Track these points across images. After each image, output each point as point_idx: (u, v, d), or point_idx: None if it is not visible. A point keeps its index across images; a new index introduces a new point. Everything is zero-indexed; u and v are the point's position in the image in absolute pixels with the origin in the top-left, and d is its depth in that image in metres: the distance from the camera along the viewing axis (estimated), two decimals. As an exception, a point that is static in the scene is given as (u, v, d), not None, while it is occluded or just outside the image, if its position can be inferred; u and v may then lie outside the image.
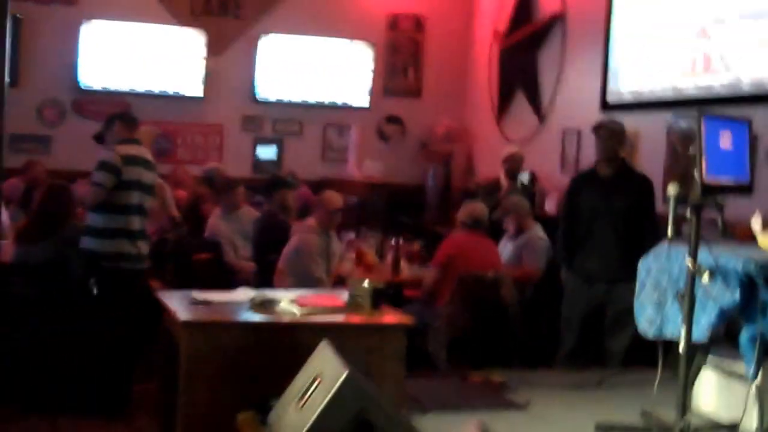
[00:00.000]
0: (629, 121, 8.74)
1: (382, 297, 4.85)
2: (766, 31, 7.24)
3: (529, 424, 4.58)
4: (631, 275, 5.65)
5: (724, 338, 4.65)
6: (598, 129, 6.16)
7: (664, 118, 7.91)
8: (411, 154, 11.64)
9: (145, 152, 6.21)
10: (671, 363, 4.26)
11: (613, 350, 5.91)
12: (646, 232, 5.80)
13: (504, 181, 8.83)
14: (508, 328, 6.46)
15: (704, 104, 7.44)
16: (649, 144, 8.20)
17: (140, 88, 10.52)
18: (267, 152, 11.17)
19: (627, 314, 5.69)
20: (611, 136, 6.07)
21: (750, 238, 4.90)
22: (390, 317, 4.73)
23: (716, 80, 7.78)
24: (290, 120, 11.26)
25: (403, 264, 7.36)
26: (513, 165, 8.81)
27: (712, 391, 4.83)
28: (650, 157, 8.09)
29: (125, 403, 5.77)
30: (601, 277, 5.93)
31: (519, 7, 10.74)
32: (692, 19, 8.13)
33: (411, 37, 11.76)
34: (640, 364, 4.88)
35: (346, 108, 11.44)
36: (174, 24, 10.62)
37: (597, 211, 5.99)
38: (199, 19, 10.72)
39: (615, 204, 5.95)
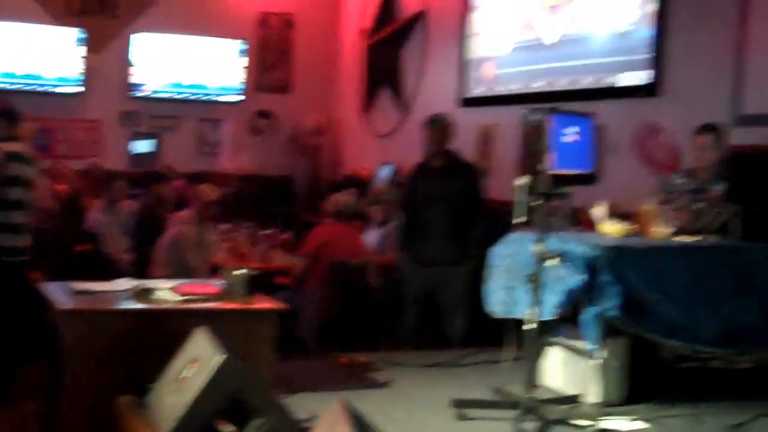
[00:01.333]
0: (485, 115, 9.05)
1: (255, 284, 4.91)
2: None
3: (390, 401, 4.69)
4: (462, 258, 5.95)
5: (570, 318, 4.79)
6: (427, 124, 6.37)
7: (518, 112, 8.11)
8: (282, 147, 11.67)
9: (25, 148, 6.13)
10: (521, 342, 4.43)
11: (451, 329, 6.13)
12: (474, 216, 6.12)
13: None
14: (374, 312, 6.59)
15: (554, 99, 7.71)
16: (505, 137, 8.45)
17: (20, 85, 10.29)
18: (144, 146, 11.08)
19: (460, 295, 5.97)
20: (439, 130, 6.30)
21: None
22: (262, 303, 4.78)
23: (565, 76, 8.10)
24: (166, 115, 11.17)
25: (275, 253, 7.43)
26: None
27: (558, 367, 5.00)
28: (506, 149, 8.35)
29: (9, 390, 5.68)
30: (436, 261, 6.16)
31: (383, 5, 10.89)
32: (543, 18, 8.44)
33: (281, 34, 11.79)
34: (493, 344, 5.04)
35: (219, 103, 11.41)
36: (52, 23, 10.43)
37: (430, 199, 6.22)
38: (78, 17, 10.54)
39: (446, 192, 6.19)
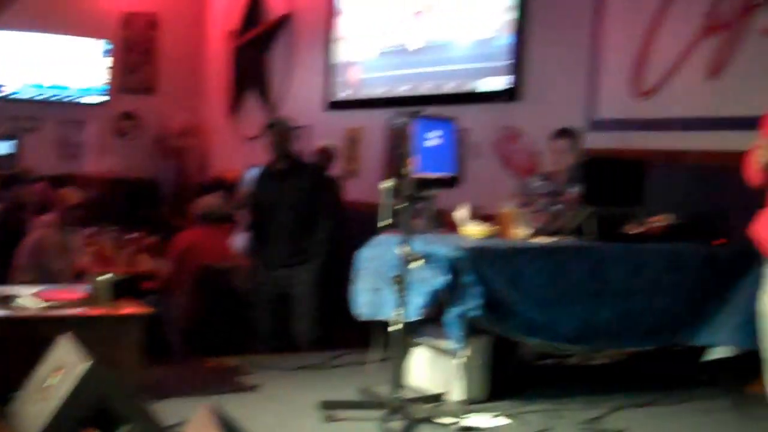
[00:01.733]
0: (352, 119, 9.11)
1: (121, 289, 4.83)
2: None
3: (259, 405, 4.66)
4: (308, 260, 5.99)
5: (434, 318, 4.83)
6: (267, 128, 6.40)
7: (383, 115, 8.18)
8: (147, 149, 11.48)
9: None
10: (387, 343, 4.46)
11: (299, 331, 6.17)
12: (319, 217, 6.16)
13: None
14: (243, 315, 6.55)
15: (419, 103, 7.82)
16: (371, 140, 8.52)
17: None
18: (3, 148, 10.71)
19: (307, 297, 6.02)
20: (280, 134, 6.33)
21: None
22: (128, 309, 4.70)
23: (429, 81, 8.22)
24: (27, 116, 10.84)
25: (141, 257, 7.31)
26: (323, 159, 8.28)
27: (423, 367, 5.04)
28: (372, 152, 8.42)
29: None
30: (283, 264, 6.19)
31: (249, 7, 10.84)
32: (407, 23, 8.54)
33: (145, 34, 11.59)
34: (360, 345, 5.08)
35: (82, 104, 11.15)
36: None
37: (275, 202, 6.24)
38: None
39: (290, 194, 6.22)
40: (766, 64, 5.52)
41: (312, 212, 6.18)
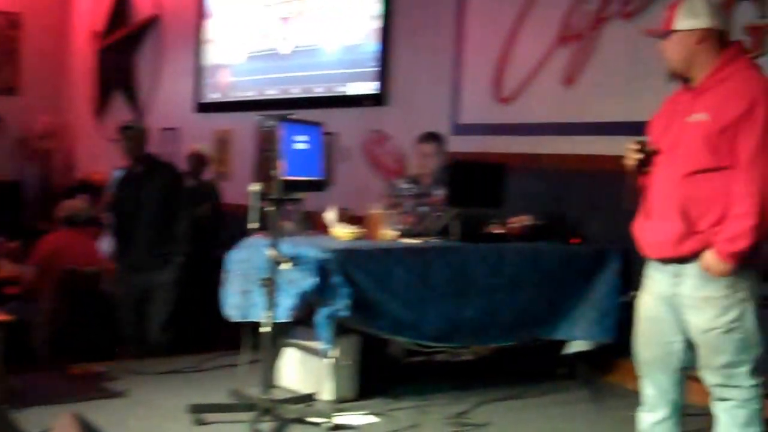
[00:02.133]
0: (221, 121, 9.06)
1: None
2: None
3: (126, 410, 4.58)
4: (167, 262, 5.98)
5: (304, 319, 4.85)
6: (121, 131, 6.36)
7: (253, 118, 8.16)
8: (9, 151, 11.14)
9: None
10: (257, 345, 4.46)
11: (155, 334, 6.15)
12: (177, 219, 6.18)
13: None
14: (110, 320, 6.44)
15: (289, 107, 7.83)
16: (241, 143, 8.49)
17: None
18: None
19: (165, 299, 6.01)
20: (134, 137, 6.31)
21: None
22: (-11, 316, 4.59)
23: (298, 85, 8.25)
24: None
25: (2, 262, 7.09)
26: (196, 163, 8.02)
27: (294, 368, 5.06)
28: (242, 154, 8.39)
29: None
30: (142, 267, 6.17)
31: (115, 8, 10.65)
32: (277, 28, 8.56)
33: (7, 34, 11.25)
34: (231, 347, 5.06)
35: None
36: None
37: (134, 205, 6.22)
38: None
39: (148, 198, 6.20)
40: (615, 73, 5.73)
41: (170, 214, 6.15)
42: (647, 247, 3.38)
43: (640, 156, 3.36)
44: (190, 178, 7.45)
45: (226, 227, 6.90)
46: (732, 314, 3.17)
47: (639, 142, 3.39)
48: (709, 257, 3.15)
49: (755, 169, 3.08)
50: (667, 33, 3.33)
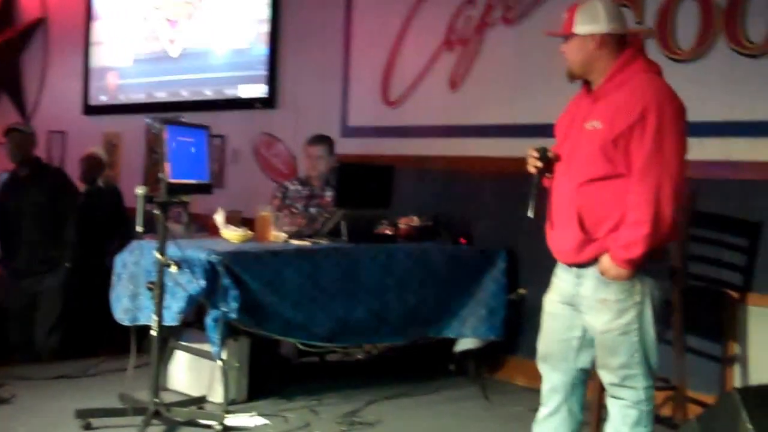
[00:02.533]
0: (110, 124, 8.93)
1: None
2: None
3: (12, 417, 4.51)
4: (55, 266, 5.91)
5: (195, 322, 4.88)
6: (7, 134, 6.25)
7: (142, 121, 8.10)
8: None
9: None
10: (147, 348, 4.44)
11: (42, 340, 6.04)
12: (65, 224, 6.09)
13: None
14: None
15: (181, 110, 7.79)
16: (131, 145, 8.39)
17: None
18: None
19: (51, 304, 5.93)
20: (21, 141, 6.21)
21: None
22: None
23: (189, 87, 8.20)
24: None
25: None
26: (91, 166, 7.45)
27: (184, 371, 5.05)
28: (132, 157, 8.29)
29: None
30: (30, 272, 6.07)
31: (0, 9, 10.39)
32: (166, 31, 8.47)
33: None
34: (121, 351, 5.00)
35: None
36: None
37: (20, 209, 6.12)
38: None
39: (33, 202, 6.11)
40: (499, 77, 5.84)
41: (56, 218, 6.06)
42: (554, 253, 3.38)
43: (540, 164, 3.35)
44: (85, 182, 7.30)
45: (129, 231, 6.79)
46: (628, 317, 3.19)
47: (539, 149, 3.38)
48: (606, 262, 3.17)
49: (648, 177, 3.08)
50: (566, 36, 3.32)
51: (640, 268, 3.14)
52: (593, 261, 3.23)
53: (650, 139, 3.09)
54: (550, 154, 3.37)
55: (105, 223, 6.68)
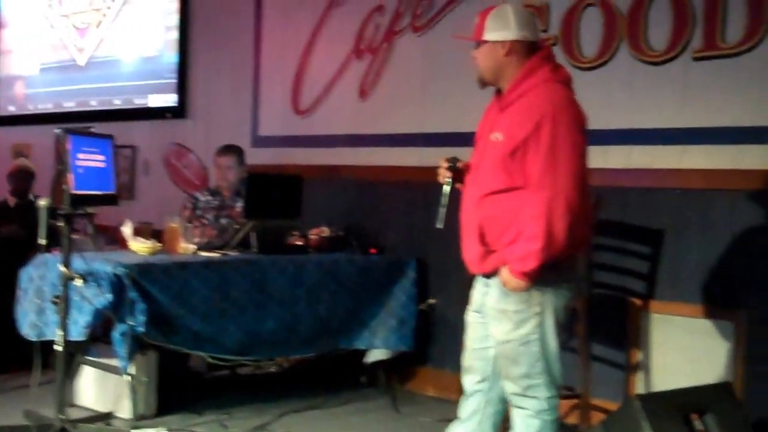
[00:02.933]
0: (19, 134, 8.73)
1: None
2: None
3: None
4: None
5: (102, 336, 4.77)
6: None
7: (50, 132, 7.90)
8: None
9: None
10: (53, 364, 4.32)
11: None
12: None
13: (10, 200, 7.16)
14: None
15: (90, 119, 7.66)
16: (41, 157, 8.20)
17: None
18: None
19: None
20: None
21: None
22: None
23: (98, 97, 8.06)
24: None
25: None
26: (22, 178, 7.12)
27: (91, 386, 4.95)
28: (44, 169, 8.10)
29: None
30: None
31: None
32: (74, 39, 8.33)
33: None
34: (26, 368, 4.88)
35: None
36: None
37: None
38: None
39: None
40: (408, 85, 5.86)
41: None
42: (465, 263, 3.38)
43: (449, 174, 3.36)
44: (16, 196, 6.95)
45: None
46: (527, 327, 3.20)
47: (449, 159, 3.38)
48: (505, 274, 3.17)
49: (542, 190, 3.07)
50: (476, 42, 3.30)
51: (540, 280, 3.15)
52: (496, 272, 3.24)
53: (544, 152, 3.08)
54: (459, 165, 3.38)
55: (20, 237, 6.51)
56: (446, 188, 3.37)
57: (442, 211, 3.32)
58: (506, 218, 3.18)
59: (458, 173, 3.38)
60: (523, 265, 3.11)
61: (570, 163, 3.09)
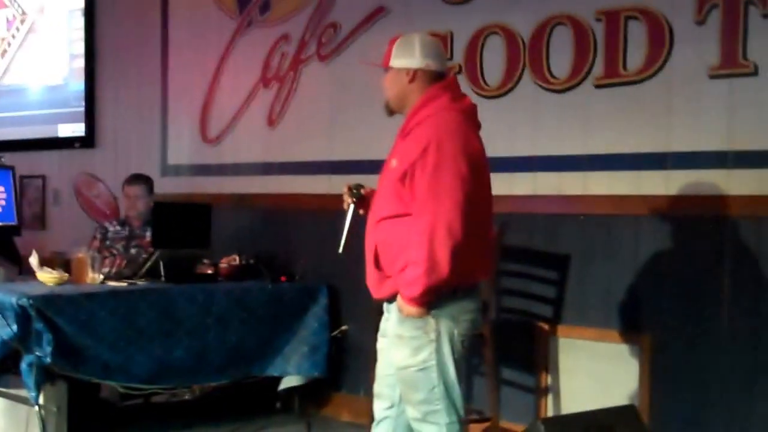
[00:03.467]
0: None
1: None
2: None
3: None
4: None
5: (12, 367, 4.66)
6: None
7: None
8: None
9: None
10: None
11: None
12: None
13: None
14: None
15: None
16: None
17: None
18: None
19: None
20: None
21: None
22: None
23: (8, 126, 7.89)
24: None
25: None
26: None
27: (1, 416, 4.87)
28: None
29: None
30: None
31: None
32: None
33: None
34: None
35: None
36: None
37: None
38: None
39: None
40: (315, 113, 5.86)
41: None
42: (368, 288, 3.37)
43: (351, 200, 3.36)
44: None
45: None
46: (424, 354, 3.18)
47: (353, 186, 3.39)
48: (399, 300, 3.16)
49: (425, 214, 3.05)
50: (383, 68, 3.31)
51: (436, 306, 3.14)
52: (394, 297, 3.24)
53: (427, 178, 3.07)
54: (363, 191, 3.39)
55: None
56: (349, 214, 3.37)
57: (344, 237, 3.32)
58: (398, 243, 3.16)
59: (362, 200, 3.39)
60: (411, 291, 3.09)
61: (452, 190, 3.06)
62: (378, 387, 3.45)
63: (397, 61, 3.28)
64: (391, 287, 3.22)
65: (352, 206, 3.39)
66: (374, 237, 3.26)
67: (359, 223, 3.41)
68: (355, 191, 3.38)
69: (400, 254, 3.16)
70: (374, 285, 3.29)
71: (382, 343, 3.42)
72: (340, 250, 3.31)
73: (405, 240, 3.13)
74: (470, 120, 3.29)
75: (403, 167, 3.14)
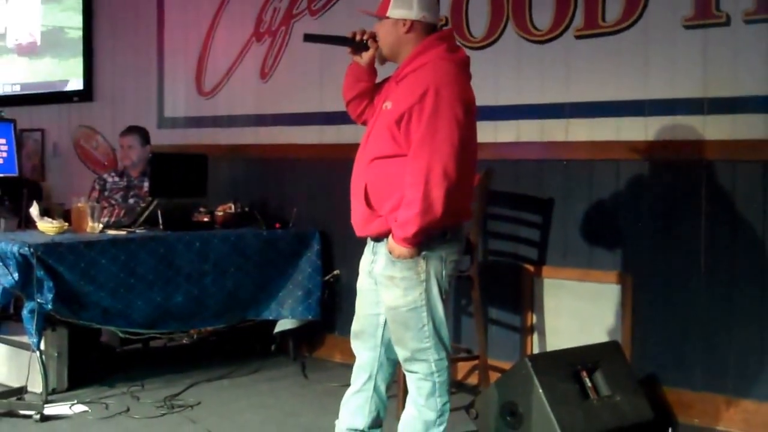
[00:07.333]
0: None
1: None
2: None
3: None
4: None
5: (14, 314, 4.70)
6: None
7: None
8: None
9: None
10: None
11: None
12: None
13: None
14: None
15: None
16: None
17: None
18: None
19: None
20: None
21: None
22: None
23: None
24: None
25: None
26: None
27: (3, 362, 4.81)
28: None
29: None
30: None
31: None
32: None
33: None
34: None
35: None
36: None
37: None
38: None
39: None
40: (306, 66, 5.75)
41: None
42: (353, 226, 3.30)
43: (361, 38, 3.28)
44: None
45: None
46: (414, 294, 3.14)
47: (371, 34, 3.29)
48: (390, 241, 3.11)
49: (421, 156, 3.01)
50: (379, 17, 3.24)
51: (426, 248, 3.10)
52: (383, 237, 3.18)
53: (425, 122, 3.02)
54: (365, 40, 3.28)
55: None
56: (344, 39, 3.32)
57: (322, 35, 3.50)
58: (390, 183, 3.12)
59: (361, 48, 3.29)
60: (404, 231, 3.04)
61: (449, 133, 3.01)
62: (358, 325, 3.39)
63: (395, 12, 3.20)
64: (379, 225, 3.16)
65: (360, 38, 3.28)
66: (365, 176, 3.19)
67: (338, 47, 3.41)
68: (359, 39, 3.28)
69: (392, 193, 3.11)
70: (361, 222, 3.23)
71: (365, 284, 3.35)
72: (309, 38, 3.44)
73: (397, 180, 3.08)
74: (464, 71, 3.23)
75: (399, 110, 3.08)
